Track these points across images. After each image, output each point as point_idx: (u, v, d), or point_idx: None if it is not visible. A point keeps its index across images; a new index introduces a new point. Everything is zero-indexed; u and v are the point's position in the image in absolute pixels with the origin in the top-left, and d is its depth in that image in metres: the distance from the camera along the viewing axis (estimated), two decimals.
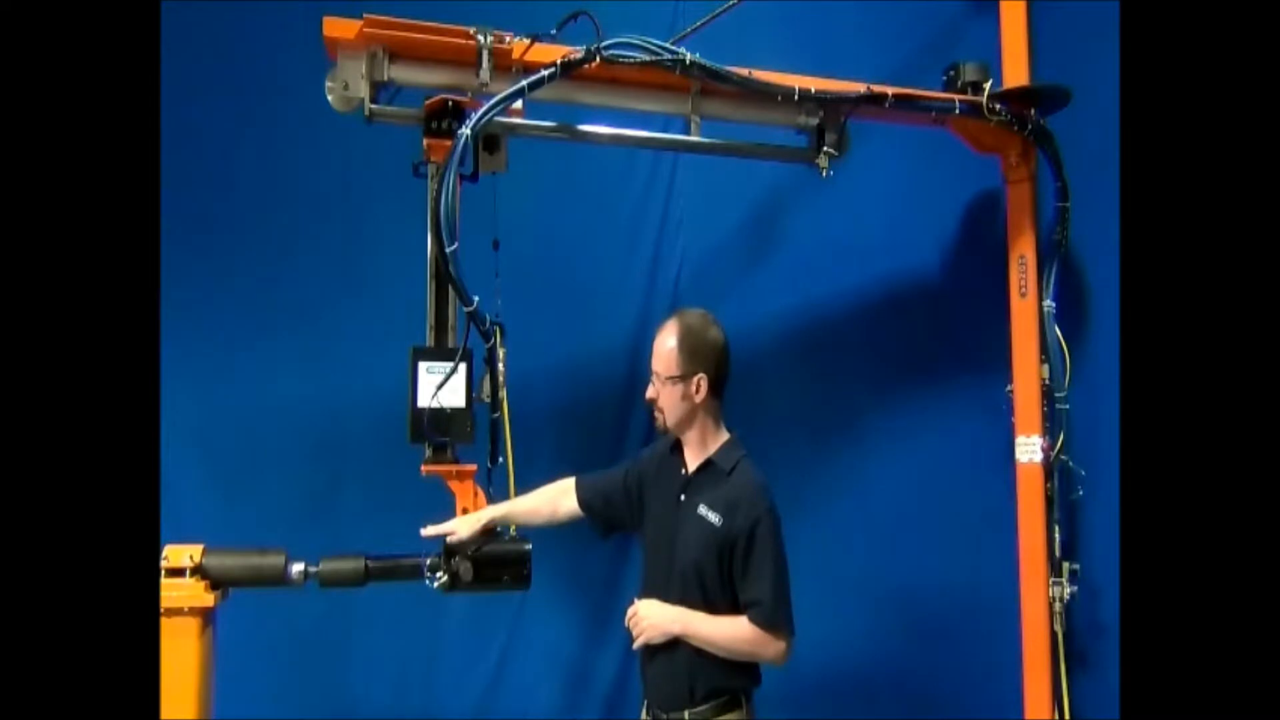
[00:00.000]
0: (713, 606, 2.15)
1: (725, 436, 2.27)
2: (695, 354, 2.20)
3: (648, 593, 2.26)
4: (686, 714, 2.15)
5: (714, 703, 2.15)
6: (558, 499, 2.43)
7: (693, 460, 2.26)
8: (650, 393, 2.26)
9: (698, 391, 2.20)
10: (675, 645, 2.17)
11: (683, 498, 2.24)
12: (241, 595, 2.33)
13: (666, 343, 2.22)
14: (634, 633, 2.22)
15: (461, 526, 2.34)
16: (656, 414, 2.27)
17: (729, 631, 2.13)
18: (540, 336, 3.03)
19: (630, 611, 2.24)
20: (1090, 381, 2.98)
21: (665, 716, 2.19)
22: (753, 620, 2.11)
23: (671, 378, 2.21)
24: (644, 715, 2.28)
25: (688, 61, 2.55)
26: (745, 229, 3.42)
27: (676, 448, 2.31)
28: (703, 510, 2.18)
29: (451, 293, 2.36)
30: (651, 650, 2.22)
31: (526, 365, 2.65)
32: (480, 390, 2.38)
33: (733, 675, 2.17)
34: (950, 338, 3.35)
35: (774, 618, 2.11)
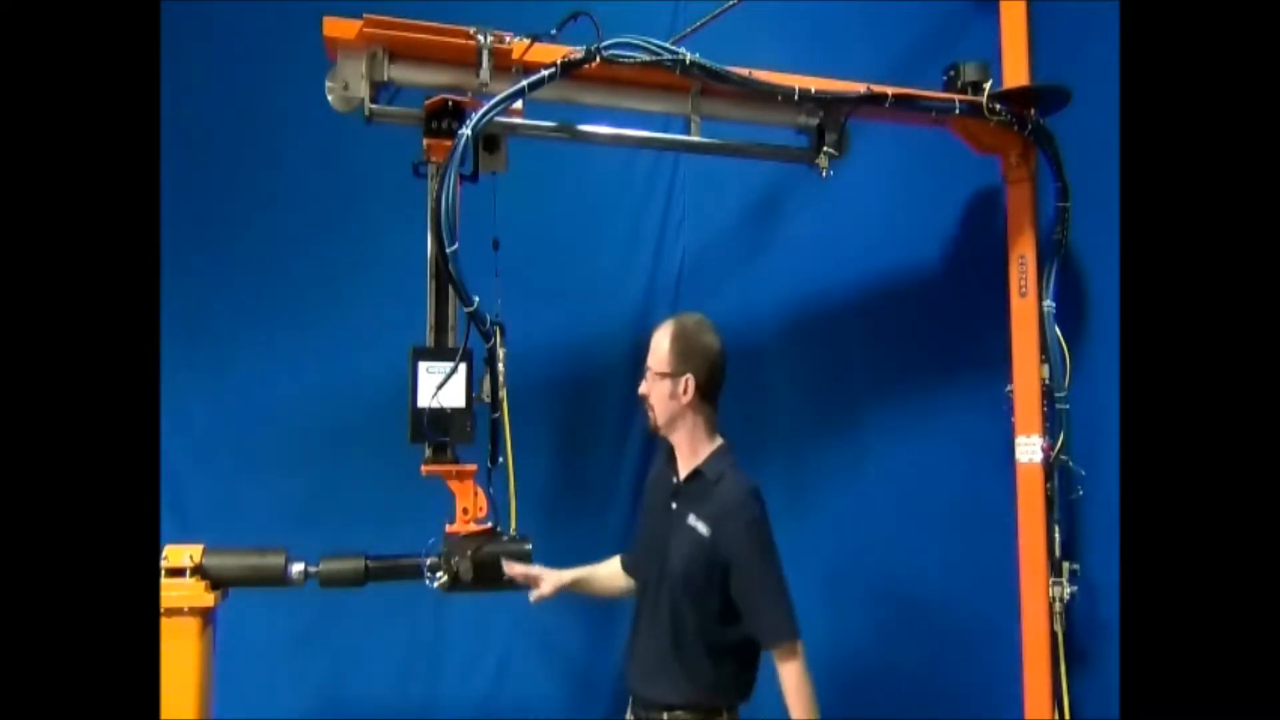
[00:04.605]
0: (701, 611, 2.17)
1: (715, 445, 2.28)
2: (686, 354, 2.24)
3: (640, 595, 2.32)
4: (665, 716, 2.19)
5: (692, 714, 2.18)
6: (616, 576, 2.52)
7: (683, 468, 2.29)
8: (643, 388, 2.31)
9: (685, 392, 2.22)
10: (666, 653, 2.19)
11: (674, 505, 2.28)
12: (241, 595, 2.34)
13: (662, 340, 2.28)
14: None
15: (547, 580, 2.38)
16: (648, 411, 2.31)
17: (798, 702, 2.12)
18: (541, 336, 3.03)
19: None
20: (1090, 381, 2.98)
21: (646, 716, 2.23)
22: (777, 651, 2.13)
23: (661, 374, 2.25)
24: (629, 715, 2.32)
25: (688, 61, 2.54)
26: (745, 229, 3.42)
27: (671, 457, 2.34)
28: (692, 520, 2.20)
29: (451, 293, 2.36)
30: (639, 657, 2.27)
31: (527, 365, 2.65)
32: (480, 390, 2.37)
33: (717, 695, 2.19)
34: (950, 337, 3.34)
35: (787, 634, 2.13)
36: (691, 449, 2.28)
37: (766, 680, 2.23)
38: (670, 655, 2.19)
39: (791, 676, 2.12)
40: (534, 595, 2.37)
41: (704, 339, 2.26)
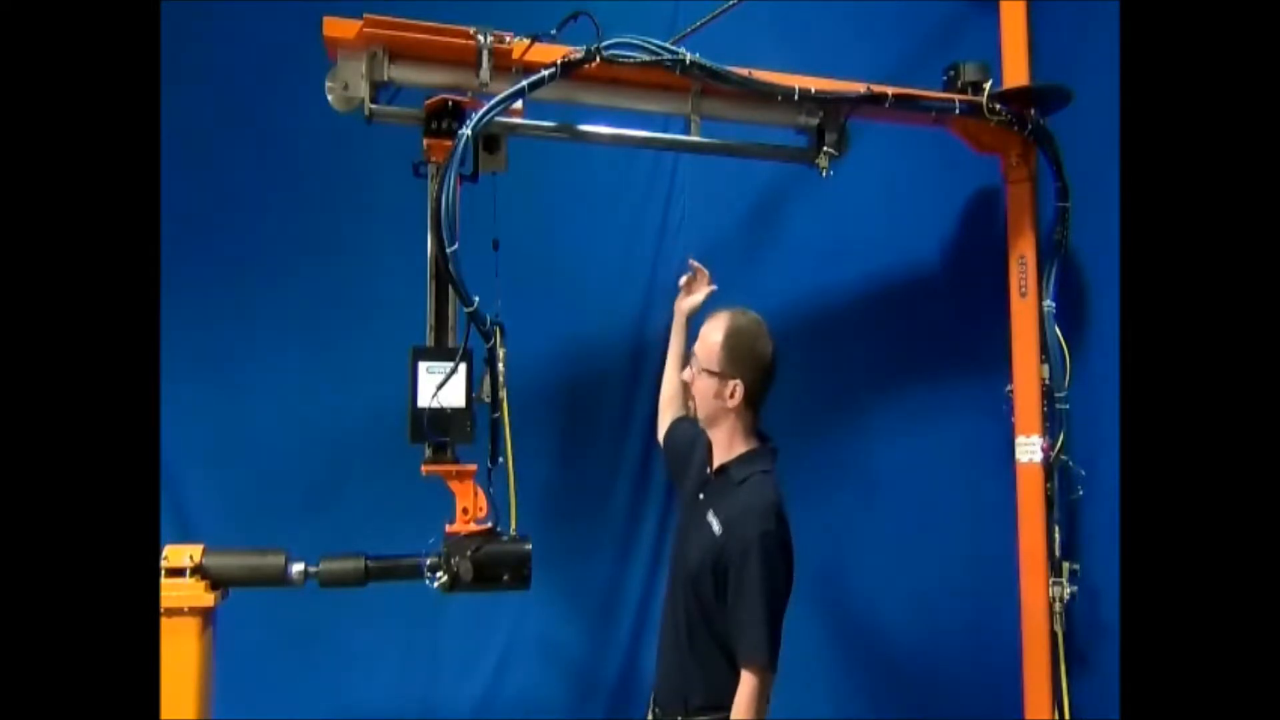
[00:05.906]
0: (709, 612, 2.15)
1: (750, 446, 2.23)
2: (738, 358, 2.17)
3: (671, 578, 2.32)
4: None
5: (709, 716, 2.12)
6: (665, 410, 2.63)
7: (715, 461, 2.27)
8: (686, 376, 2.31)
9: (732, 396, 2.17)
10: (683, 650, 2.17)
11: (700, 496, 2.27)
12: (241, 595, 2.34)
13: (713, 334, 2.21)
14: None
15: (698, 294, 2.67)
16: (689, 400, 2.33)
17: (743, 706, 2.06)
18: (541, 336, 3.03)
19: None
20: (1090, 381, 2.98)
21: (663, 717, 2.22)
22: (746, 665, 2.07)
23: (709, 371, 2.19)
24: (648, 714, 2.31)
25: (688, 61, 2.55)
26: (745, 229, 3.42)
27: (710, 446, 2.32)
28: (709, 517, 2.18)
29: (451, 293, 2.36)
30: (662, 651, 2.26)
31: (527, 365, 2.65)
32: (480, 390, 2.37)
33: (732, 697, 2.09)
34: (950, 337, 3.34)
35: (759, 659, 2.07)
36: (727, 445, 2.24)
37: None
38: (686, 654, 2.17)
39: (745, 694, 2.05)
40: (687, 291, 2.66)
41: (758, 346, 2.19)
